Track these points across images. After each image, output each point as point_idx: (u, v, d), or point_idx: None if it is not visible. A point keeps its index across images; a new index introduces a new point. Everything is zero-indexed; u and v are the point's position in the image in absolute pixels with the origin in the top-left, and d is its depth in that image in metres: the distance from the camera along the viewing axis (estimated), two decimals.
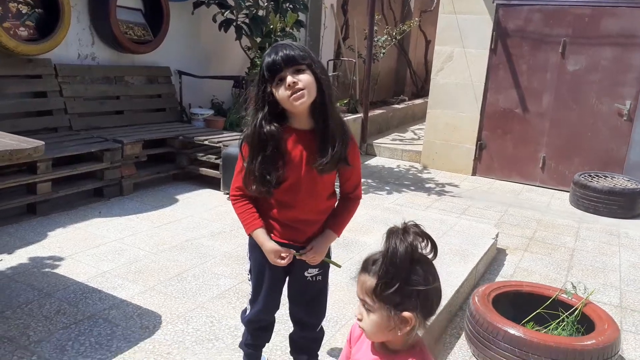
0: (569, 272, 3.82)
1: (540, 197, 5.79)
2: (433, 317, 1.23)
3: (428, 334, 1.33)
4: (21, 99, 4.43)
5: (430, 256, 1.21)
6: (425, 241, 1.19)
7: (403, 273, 1.14)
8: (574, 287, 2.87)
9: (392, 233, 1.16)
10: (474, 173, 6.50)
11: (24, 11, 4.42)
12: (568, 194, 5.69)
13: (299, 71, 1.67)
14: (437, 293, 1.21)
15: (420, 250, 1.18)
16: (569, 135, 5.95)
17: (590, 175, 5.56)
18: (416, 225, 1.18)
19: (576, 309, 2.71)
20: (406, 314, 1.15)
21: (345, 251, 3.56)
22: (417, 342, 1.24)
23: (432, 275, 1.18)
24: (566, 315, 2.71)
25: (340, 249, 3.54)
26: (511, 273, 3.76)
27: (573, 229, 4.76)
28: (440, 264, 3.26)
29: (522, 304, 2.82)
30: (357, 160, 1.91)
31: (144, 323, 2.56)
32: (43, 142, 2.40)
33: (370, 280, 1.17)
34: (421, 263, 1.17)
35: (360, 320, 1.23)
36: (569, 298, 2.79)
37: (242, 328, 2.24)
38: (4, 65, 4.29)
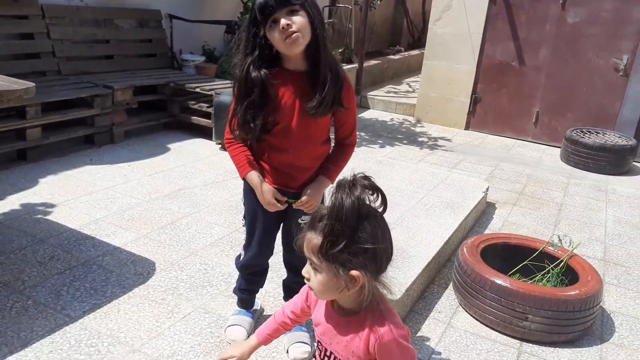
0: (556, 226, 3.89)
1: (532, 153, 5.82)
2: (384, 273, 1.17)
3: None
4: (7, 41, 4.29)
5: (380, 210, 1.13)
6: (375, 194, 1.12)
7: (349, 230, 1.07)
8: (560, 240, 2.93)
9: (339, 186, 1.09)
10: (467, 127, 6.49)
11: None
12: (559, 149, 5.71)
13: (292, 12, 1.62)
14: (387, 251, 1.14)
15: (369, 204, 1.11)
16: (564, 90, 5.91)
17: (582, 131, 5.57)
18: (365, 178, 1.11)
19: (561, 261, 2.78)
20: (354, 272, 1.09)
21: None
22: (378, 300, 1.19)
23: (381, 231, 1.11)
24: (552, 267, 2.79)
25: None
26: (500, 226, 3.82)
27: (562, 185, 4.81)
28: (430, 216, 3.30)
29: (509, 256, 2.89)
30: (353, 103, 1.88)
31: (137, 270, 2.60)
32: (34, 84, 2.35)
33: (316, 239, 1.11)
34: (369, 219, 1.10)
35: (308, 280, 1.17)
36: (555, 250, 2.86)
37: (236, 275, 2.28)
38: None
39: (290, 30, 1.62)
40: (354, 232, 1.07)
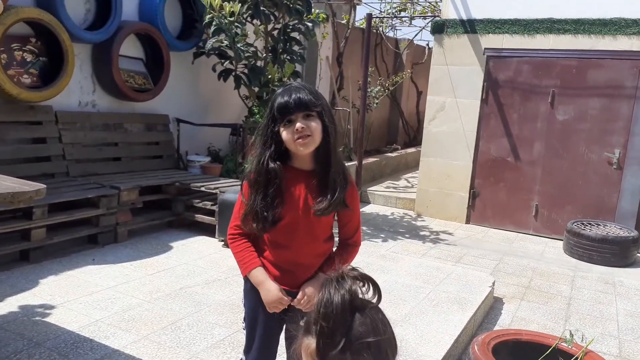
0: (567, 321, 3.79)
1: (534, 246, 5.80)
2: None
3: None
4: (20, 145, 4.46)
5: (374, 301, 1.04)
6: (366, 285, 1.03)
7: (344, 327, 0.96)
8: (572, 335, 2.84)
9: (326, 282, 0.99)
10: (467, 221, 6.53)
11: (28, 59, 4.52)
12: (562, 242, 5.71)
13: (308, 116, 1.69)
14: (391, 342, 1.04)
15: (361, 296, 1.02)
16: (561, 183, 6.04)
17: (582, 224, 5.60)
18: (353, 269, 1.03)
19: (576, 358, 2.68)
20: None
21: None
22: None
23: (381, 323, 1.01)
24: None
25: None
26: (509, 322, 3.72)
27: (568, 278, 4.75)
28: (438, 312, 3.24)
29: (521, 353, 2.79)
30: (357, 204, 1.91)
31: None
32: (44, 186, 2.41)
33: (313, 342, 0.99)
34: (365, 311, 1.00)
35: None
36: (569, 347, 2.76)
37: None
38: (6, 111, 4.35)
39: (304, 132, 1.69)
40: (349, 329, 0.97)
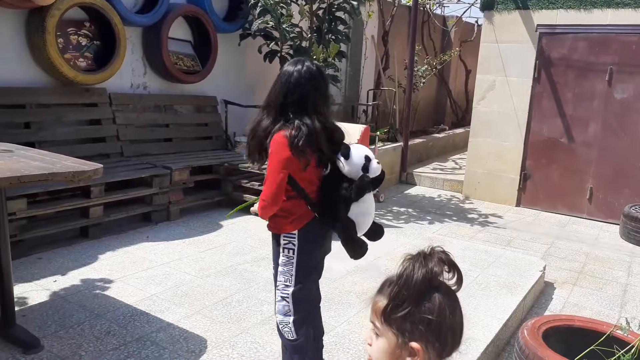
0: (623, 308, 3.66)
1: (588, 230, 5.60)
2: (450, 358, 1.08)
3: None
4: (78, 126, 4.66)
5: (454, 288, 1.08)
6: (451, 271, 1.06)
7: (415, 297, 1.02)
8: (628, 323, 2.75)
9: (414, 256, 1.05)
10: (518, 204, 6.36)
11: (83, 43, 4.68)
12: (617, 226, 5.48)
13: None
14: (453, 330, 1.06)
15: (442, 279, 1.05)
16: (618, 165, 5.77)
17: None
18: (443, 252, 1.06)
19: (633, 346, 2.59)
20: (414, 344, 1.02)
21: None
22: None
23: (450, 308, 1.04)
24: (622, 353, 2.59)
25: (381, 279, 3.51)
26: (560, 308, 3.63)
27: (625, 263, 4.57)
28: (487, 296, 3.19)
29: (573, 340, 2.72)
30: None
31: (190, 347, 2.60)
32: (102, 165, 2.51)
33: (382, 302, 1.06)
34: (440, 291, 1.04)
35: (370, 346, 1.11)
36: (625, 335, 2.67)
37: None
38: (64, 94, 4.54)
39: None
40: (420, 301, 1.02)
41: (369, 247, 2.13)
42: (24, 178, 2.21)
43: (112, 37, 4.71)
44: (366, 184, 2.03)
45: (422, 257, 1.04)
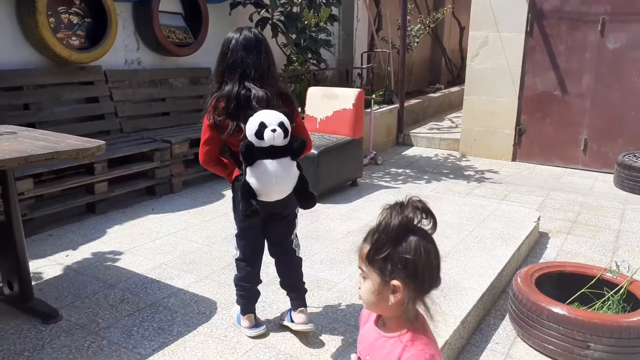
0: (615, 253, 3.80)
1: (583, 180, 5.71)
2: (430, 296, 1.22)
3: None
4: (76, 105, 4.72)
5: (430, 231, 1.21)
6: (427, 218, 1.19)
7: (394, 240, 1.16)
8: (617, 266, 2.88)
9: (391, 206, 1.19)
10: (514, 159, 6.46)
11: (75, 21, 4.69)
12: (612, 175, 5.59)
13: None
14: (429, 268, 1.19)
15: (418, 225, 1.19)
16: (611, 115, 5.83)
17: (635, 155, 5.44)
18: (419, 201, 1.19)
19: (621, 287, 2.73)
20: (394, 281, 1.17)
21: None
22: (420, 324, 1.24)
23: (424, 249, 1.18)
24: (611, 294, 2.73)
25: None
26: (554, 256, 3.77)
27: (618, 211, 4.69)
28: (482, 248, 3.33)
29: (565, 284, 2.85)
30: None
31: (200, 309, 2.74)
32: (104, 142, 2.60)
33: (366, 247, 1.21)
34: (416, 234, 1.18)
35: (359, 288, 1.26)
36: (614, 277, 2.81)
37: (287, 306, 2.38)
38: (59, 73, 4.58)
39: None
40: (397, 243, 1.16)
41: (259, 212, 2.19)
42: (31, 158, 2.30)
43: (103, 14, 4.71)
44: (243, 148, 2.10)
45: (399, 206, 1.18)
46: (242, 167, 2.19)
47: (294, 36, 6.03)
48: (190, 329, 2.56)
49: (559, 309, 2.50)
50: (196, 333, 2.52)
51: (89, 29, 4.80)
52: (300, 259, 2.55)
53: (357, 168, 4.95)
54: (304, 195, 2.29)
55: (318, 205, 4.35)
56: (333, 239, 3.63)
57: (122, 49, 5.20)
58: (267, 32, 5.97)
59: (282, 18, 5.89)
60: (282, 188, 2.21)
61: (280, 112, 2.16)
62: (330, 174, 4.53)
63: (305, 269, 3.07)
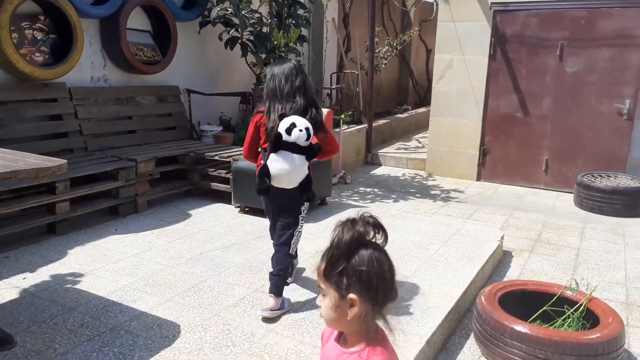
0: (575, 271, 3.90)
1: (545, 200, 5.87)
2: (388, 310, 1.23)
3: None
4: (38, 122, 4.60)
5: (382, 244, 1.24)
6: (379, 232, 1.23)
7: (346, 255, 1.19)
8: (577, 284, 2.96)
9: (342, 223, 1.23)
10: (478, 178, 6.60)
11: (39, 37, 4.61)
12: (572, 195, 5.76)
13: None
14: (383, 279, 1.21)
15: (370, 238, 1.22)
16: (571, 137, 6.04)
17: (593, 176, 5.64)
18: (370, 216, 1.23)
19: (581, 304, 2.79)
20: (351, 295, 1.19)
21: None
22: (379, 339, 1.25)
23: (377, 260, 1.21)
24: (571, 312, 2.80)
25: None
26: (517, 274, 3.84)
27: (578, 229, 4.83)
28: (447, 267, 3.37)
29: (528, 302, 2.91)
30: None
31: (163, 333, 2.68)
32: (66, 161, 2.54)
33: (322, 265, 1.24)
34: (368, 248, 1.20)
35: (319, 307, 1.28)
36: (574, 294, 2.88)
37: (258, 333, 2.35)
38: (21, 89, 4.47)
39: None
40: (350, 257, 1.20)
41: (270, 190, 2.79)
42: None
43: (69, 30, 4.64)
44: (274, 137, 2.69)
45: (350, 222, 1.21)
46: (267, 155, 2.77)
47: (263, 56, 6.06)
48: (152, 354, 2.49)
49: (521, 327, 2.54)
50: (158, 358, 2.46)
51: (54, 45, 4.72)
52: (288, 255, 2.93)
53: (326, 187, 4.97)
54: (306, 188, 2.81)
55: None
56: (300, 258, 3.61)
57: (88, 65, 5.12)
58: (237, 51, 5.99)
59: (252, 38, 5.92)
60: (291, 177, 2.73)
61: (308, 120, 2.74)
62: None
63: None
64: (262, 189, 2.76)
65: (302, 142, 2.68)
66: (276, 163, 2.71)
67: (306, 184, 2.80)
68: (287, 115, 2.74)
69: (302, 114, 2.78)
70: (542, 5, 5.93)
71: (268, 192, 2.77)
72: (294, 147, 2.69)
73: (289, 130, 2.66)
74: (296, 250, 3.11)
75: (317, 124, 2.81)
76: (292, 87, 2.82)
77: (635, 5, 5.49)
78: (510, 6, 6.08)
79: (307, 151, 2.72)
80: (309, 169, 2.81)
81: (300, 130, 2.65)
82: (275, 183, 2.75)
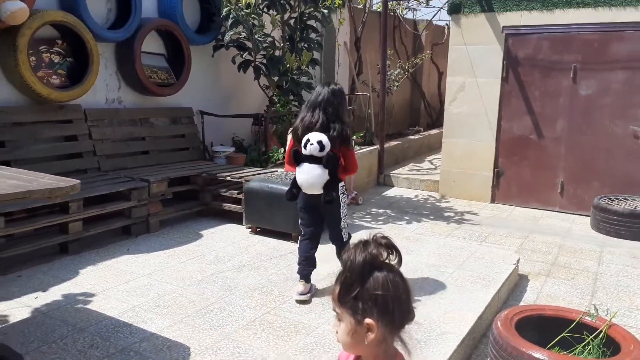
0: (593, 296, 3.80)
1: (561, 223, 5.77)
2: (405, 332, 1.21)
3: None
4: (54, 143, 4.66)
5: (395, 265, 1.21)
6: (392, 253, 1.20)
7: (361, 278, 1.16)
8: (596, 310, 2.87)
9: (355, 244, 1.20)
10: (492, 200, 6.53)
11: (56, 60, 4.70)
12: (589, 218, 5.66)
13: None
14: (400, 302, 1.18)
15: (384, 260, 1.19)
16: (586, 159, 5.97)
17: (610, 199, 5.55)
18: (383, 237, 1.20)
19: (600, 331, 2.71)
20: (368, 320, 1.15)
21: None
22: (394, 358, 1.22)
23: (392, 283, 1.17)
24: (591, 339, 2.71)
25: None
26: (534, 299, 3.75)
27: (596, 253, 4.74)
28: (462, 291, 3.31)
29: (545, 328, 2.83)
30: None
31: (173, 355, 2.64)
32: (79, 181, 2.55)
33: (337, 289, 1.21)
34: (382, 270, 1.17)
35: (336, 333, 1.24)
36: (593, 321, 2.79)
37: (269, 357, 2.30)
38: (38, 111, 4.55)
39: None
40: (365, 280, 1.16)
41: (296, 198, 3.33)
42: (1, 197, 2.24)
43: (85, 54, 4.73)
44: (293, 153, 3.21)
45: (362, 244, 1.19)
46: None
47: (276, 78, 6.13)
48: None
49: (540, 354, 2.46)
50: None
51: (71, 68, 4.80)
52: (344, 243, 3.36)
53: None
54: (327, 188, 3.17)
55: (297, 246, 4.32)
56: (313, 280, 3.57)
57: (104, 88, 5.20)
58: (250, 74, 6.06)
59: (265, 61, 5.99)
60: (312, 182, 3.16)
61: (325, 135, 3.13)
62: None
63: (283, 312, 3.02)
64: (290, 196, 3.32)
65: (317, 153, 3.11)
66: (299, 174, 3.21)
67: (328, 185, 3.17)
68: (306, 124, 3.23)
69: (321, 125, 3.19)
70: (554, 29, 5.93)
71: (295, 199, 3.32)
72: (311, 159, 3.14)
73: (305, 146, 3.14)
74: (349, 233, 3.48)
75: (342, 138, 3.20)
76: (315, 102, 3.26)
77: None
78: (522, 29, 6.10)
79: (323, 160, 3.13)
80: (333, 175, 3.17)
81: (312, 144, 3.10)
82: (304, 190, 3.25)
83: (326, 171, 3.14)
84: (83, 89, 4.72)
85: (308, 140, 3.12)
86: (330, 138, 3.13)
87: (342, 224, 3.35)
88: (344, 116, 3.29)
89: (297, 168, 3.20)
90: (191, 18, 6.03)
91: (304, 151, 3.13)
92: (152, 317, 3.05)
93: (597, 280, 4.09)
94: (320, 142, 3.09)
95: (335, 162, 3.16)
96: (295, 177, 3.25)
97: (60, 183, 2.57)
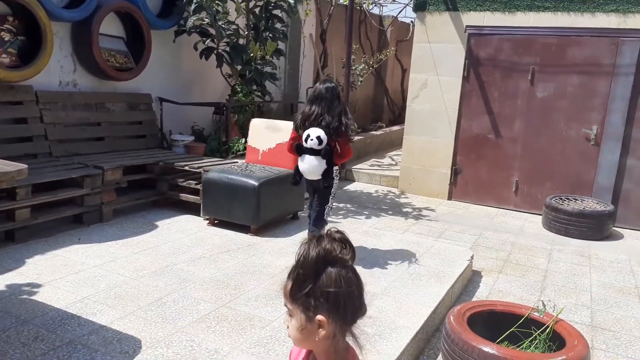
0: (542, 292, 3.93)
1: (514, 221, 5.94)
2: (357, 326, 1.21)
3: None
4: (2, 126, 4.44)
5: (349, 262, 1.20)
6: (346, 247, 1.19)
7: (313, 275, 1.15)
8: (544, 305, 2.97)
9: (308, 240, 1.19)
10: (449, 197, 6.65)
11: (6, 38, 4.47)
12: (541, 217, 5.85)
13: None
14: (352, 298, 1.18)
15: (338, 255, 1.17)
16: (540, 159, 6.16)
17: (561, 199, 5.74)
18: (338, 232, 1.20)
19: (547, 326, 2.80)
20: (319, 316, 1.15)
21: None
22: (348, 353, 1.23)
23: (344, 279, 1.16)
24: (538, 333, 2.80)
25: None
26: (486, 294, 3.85)
27: (546, 251, 4.90)
28: (417, 285, 3.35)
29: (496, 323, 2.90)
30: None
31: (123, 348, 2.57)
32: (26, 165, 2.43)
33: (289, 284, 1.19)
34: (335, 266, 1.16)
35: (288, 328, 1.24)
36: (541, 316, 2.89)
37: (222, 350, 2.27)
38: None
39: None
40: (317, 276, 1.15)
41: (299, 183, 3.89)
42: None
43: (38, 33, 4.51)
44: (295, 147, 3.70)
45: (315, 240, 1.17)
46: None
47: (239, 67, 6.03)
48: None
49: (489, 348, 2.52)
50: None
51: (23, 47, 4.58)
52: (321, 216, 3.83)
53: (299, 201, 4.92)
54: (323, 179, 3.69)
55: (256, 239, 4.28)
56: (270, 274, 3.55)
57: (58, 69, 4.99)
58: (212, 61, 5.94)
59: (228, 49, 5.88)
60: (312, 171, 3.68)
61: (322, 129, 3.58)
62: (270, 206, 4.47)
63: (238, 305, 2.99)
64: (292, 183, 3.89)
65: (316, 146, 3.58)
66: (301, 163, 3.72)
67: (324, 175, 3.69)
68: (305, 116, 3.67)
69: (315, 117, 3.63)
70: (515, 31, 6.07)
71: (298, 185, 3.91)
72: (311, 151, 3.62)
73: (305, 140, 3.61)
74: (327, 217, 3.91)
75: (339, 131, 3.63)
76: (312, 97, 3.72)
77: (603, 35, 5.67)
78: (484, 30, 6.21)
79: (322, 152, 3.62)
80: (330, 164, 3.67)
81: (312, 140, 3.57)
82: (305, 176, 3.76)
83: (324, 161, 3.64)
84: (35, 69, 4.51)
85: (308, 135, 3.59)
86: (326, 133, 3.60)
87: (329, 203, 3.86)
88: (335, 108, 3.67)
89: (299, 158, 3.70)
90: (153, 1, 5.85)
91: (305, 145, 3.61)
92: (102, 309, 2.95)
93: (547, 277, 4.23)
94: (319, 137, 3.57)
95: (331, 155, 3.67)
96: (297, 166, 3.77)
97: (6, 167, 2.45)
